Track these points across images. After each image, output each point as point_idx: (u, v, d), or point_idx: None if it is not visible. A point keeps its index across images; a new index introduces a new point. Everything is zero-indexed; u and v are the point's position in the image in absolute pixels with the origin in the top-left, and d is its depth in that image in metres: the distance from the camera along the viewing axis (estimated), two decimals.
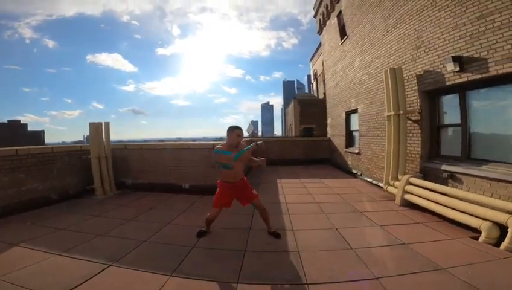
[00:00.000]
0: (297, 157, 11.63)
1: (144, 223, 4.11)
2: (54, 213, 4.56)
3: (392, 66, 5.93)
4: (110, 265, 2.68)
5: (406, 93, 5.55)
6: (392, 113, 5.59)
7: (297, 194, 6.03)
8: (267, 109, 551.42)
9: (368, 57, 7.56)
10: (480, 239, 3.28)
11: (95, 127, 5.84)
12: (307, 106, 19.51)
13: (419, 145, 5.33)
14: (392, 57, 6.24)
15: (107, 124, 6.06)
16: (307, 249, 3.11)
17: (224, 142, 3.27)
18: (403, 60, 5.76)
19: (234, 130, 3.15)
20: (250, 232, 3.65)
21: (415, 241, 3.30)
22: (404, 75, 5.61)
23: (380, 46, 6.81)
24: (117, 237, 3.48)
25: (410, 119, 5.55)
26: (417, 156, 5.37)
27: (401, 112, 5.45)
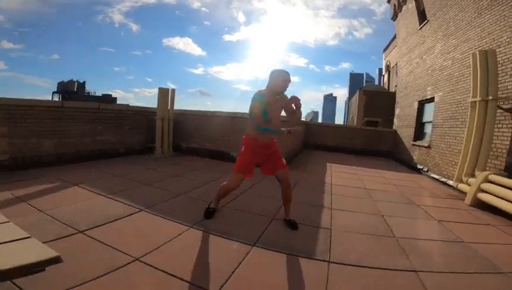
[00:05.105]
0: (356, 147, 10.87)
1: (189, 180, 4.35)
2: (117, 163, 5.14)
3: (483, 49, 5.00)
4: (141, 210, 2.83)
5: (499, 78, 4.63)
6: (479, 99, 4.69)
7: (346, 179, 5.61)
8: (329, 100, 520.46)
9: (453, 41, 6.68)
10: None
11: (163, 92, 6.45)
12: (373, 98, 17.81)
13: (509, 139, 4.36)
14: (484, 40, 5.39)
15: (173, 91, 6.62)
16: (341, 228, 2.84)
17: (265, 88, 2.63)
18: (498, 43, 4.92)
19: (282, 73, 2.56)
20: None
21: (478, 241, 2.73)
22: (499, 59, 4.72)
23: (468, 29, 6.00)
24: (159, 188, 3.73)
25: (501, 108, 4.58)
26: (504, 151, 4.42)
27: (491, 97, 4.52)
